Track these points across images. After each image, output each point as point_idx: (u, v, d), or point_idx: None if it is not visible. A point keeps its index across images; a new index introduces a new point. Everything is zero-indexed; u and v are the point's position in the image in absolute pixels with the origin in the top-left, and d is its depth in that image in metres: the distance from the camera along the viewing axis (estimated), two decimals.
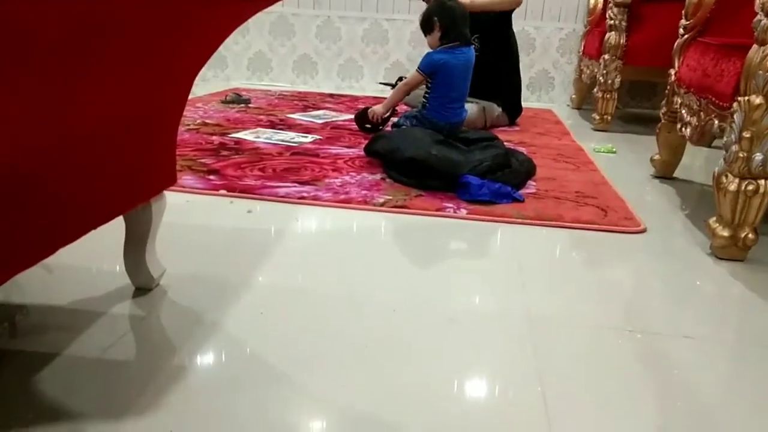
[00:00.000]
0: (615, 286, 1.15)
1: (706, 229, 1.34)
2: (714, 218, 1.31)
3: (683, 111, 1.66)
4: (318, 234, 1.37)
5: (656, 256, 1.32)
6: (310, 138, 2.21)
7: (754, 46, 1.21)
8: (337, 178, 1.70)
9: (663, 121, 1.89)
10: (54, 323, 0.91)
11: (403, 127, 2.16)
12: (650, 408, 0.78)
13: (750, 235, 1.26)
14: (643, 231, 1.43)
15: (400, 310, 0.99)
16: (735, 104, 1.24)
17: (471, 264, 1.25)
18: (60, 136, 0.69)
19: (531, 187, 1.73)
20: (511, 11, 2.70)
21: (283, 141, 2.13)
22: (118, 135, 0.80)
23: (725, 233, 1.27)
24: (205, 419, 0.71)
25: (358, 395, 0.77)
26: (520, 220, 1.45)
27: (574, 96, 3.51)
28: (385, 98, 2.39)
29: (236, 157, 1.88)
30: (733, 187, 1.24)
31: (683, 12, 1.81)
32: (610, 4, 2.69)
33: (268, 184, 1.62)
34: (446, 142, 1.81)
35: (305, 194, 1.55)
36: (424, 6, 2.29)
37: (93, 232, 0.80)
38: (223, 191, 1.55)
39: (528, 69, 3.54)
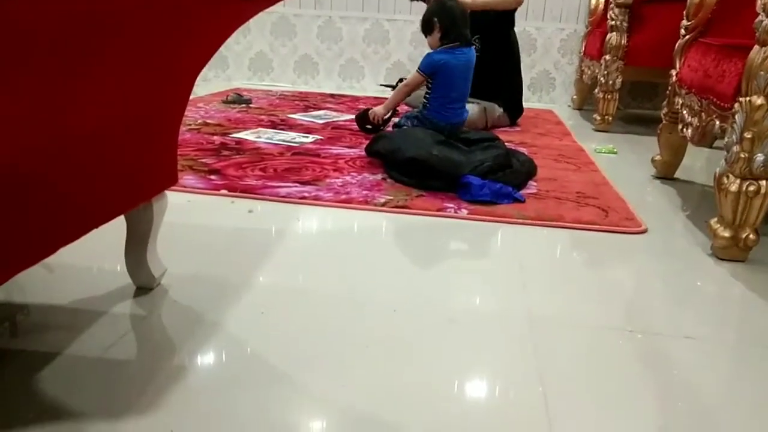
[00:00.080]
0: (616, 287, 1.15)
1: (707, 229, 1.33)
2: (715, 219, 1.31)
3: (684, 112, 1.66)
4: (319, 234, 1.37)
5: (657, 256, 1.31)
6: (311, 138, 2.21)
7: (756, 47, 1.21)
8: (338, 178, 1.70)
9: (664, 121, 1.89)
10: (55, 323, 0.91)
11: (404, 127, 2.17)
12: (651, 408, 0.78)
13: (751, 236, 1.26)
14: (644, 231, 1.43)
15: (400, 310, 0.99)
16: (736, 105, 1.24)
17: (472, 264, 1.25)
18: (61, 136, 0.69)
19: (532, 187, 1.73)
20: (513, 11, 2.69)
21: (284, 141, 2.14)
22: (119, 134, 0.80)
23: (726, 234, 1.27)
24: (205, 419, 0.71)
25: (358, 395, 0.77)
26: (521, 221, 1.45)
27: (575, 96, 3.51)
28: (386, 98, 2.39)
29: (237, 157, 1.89)
30: (734, 187, 1.24)
31: (684, 13, 1.81)
32: (612, 5, 2.69)
33: (269, 184, 1.62)
34: (447, 143, 1.81)
35: (306, 194, 1.55)
36: (425, 7, 2.29)
37: (94, 231, 0.80)
38: (224, 191, 1.55)
39: (529, 69, 3.54)
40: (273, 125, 2.42)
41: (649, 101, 3.50)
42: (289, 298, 1.02)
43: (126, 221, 0.96)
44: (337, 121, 2.60)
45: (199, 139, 2.09)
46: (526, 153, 2.03)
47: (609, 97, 2.75)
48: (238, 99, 2.88)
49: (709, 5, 1.71)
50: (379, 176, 1.73)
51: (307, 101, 3.12)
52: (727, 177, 1.26)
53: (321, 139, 2.21)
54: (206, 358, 0.84)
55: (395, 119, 2.34)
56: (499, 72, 2.65)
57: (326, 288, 1.07)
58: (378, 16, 3.65)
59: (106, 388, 0.76)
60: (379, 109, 2.29)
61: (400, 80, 2.42)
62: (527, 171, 1.80)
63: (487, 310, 1.02)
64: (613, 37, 2.69)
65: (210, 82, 3.66)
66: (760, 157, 1.21)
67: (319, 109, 2.90)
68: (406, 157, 1.68)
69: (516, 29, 2.76)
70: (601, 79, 2.76)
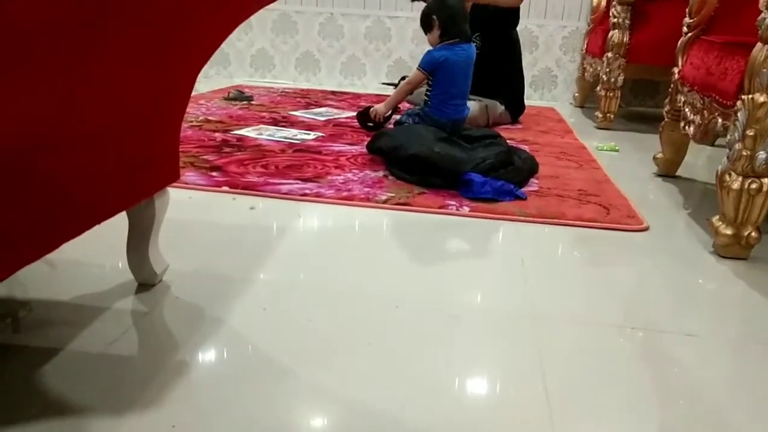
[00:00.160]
0: (617, 284, 1.15)
1: (709, 227, 1.33)
2: (717, 217, 1.31)
3: (686, 109, 1.65)
4: (320, 231, 1.37)
5: (659, 254, 1.31)
6: (312, 135, 2.21)
7: (758, 44, 1.20)
8: (339, 175, 1.70)
9: (666, 119, 1.89)
10: (57, 318, 0.91)
11: (406, 124, 2.17)
12: (652, 405, 0.78)
13: (753, 234, 1.26)
14: (646, 229, 1.43)
15: (402, 306, 0.99)
16: (739, 102, 1.24)
17: (473, 261, 1.25)
18: (62, 133, 0.69)
19: (533, 184, 1.73)
20: (516, 10, 2.68)
21: (285, 138, 2.14)
22: (120, 131, 0.80)
23: (728, 232, 1.27)
24: (207, 414, 0.71)
25: (360, 391, 0.77)
26: (522, 218, 1.45)
27: (576, 94, 3.50)
28: (387, 96, 2.39)
29: (239, 154, 1.89)
30: (736, 185, 1.24)
31: (687, 10, 1.81)
32: (614, 2, 2.68)
33: (271, 181, 1.62)
34: (449, 140, 1.81)
35: (308, 191, 1.55)
36: (424, 5, 2.29)
37: (96, 227, 0.80)
38: (225, 188, 1.55)
39: (531, 67, 3.53)
40: (274, 122, 2.42)
41: (651, 99, 3.49)
42: (290, 295, 1.02)
43: (128, 217, 0.96)
44: (339, 118, 2.60)
45: (201, 136, 2.09)
46: (527, 150, 2.03)
47: (611, 94, 2.75)
48: (239, 96, 2.88)
49: (712, 3, 1.70)
50: (380, 173, 1.73)
51: (309, 98, 3.12)
52: (729, 174, 1.26)
53: (322, 136, 2.21)
54: (208, 354, 0.84)
55: (396, 116, 2.34)
56: (501, 69, 2.64)
57: (328, 284, 1.07)
58: (380, 13, 3.64)
59: (108, 384, 0.76)
60: (380, 107, 2.29)
61: (403, 78, 2.42)
62: (529, 168, 1.80)
63: (490, 306, 1.02)
64: (615, 35, 2.68)
65: (211, 79, 3.66)
66: (762, 155, 1.21)
67: (321, 106, 2.90)
68: (407, 154, 1.68)
69: (518, 27, 2.75)
70: (603, 76, 2.75)
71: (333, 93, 3.39)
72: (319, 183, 1.62)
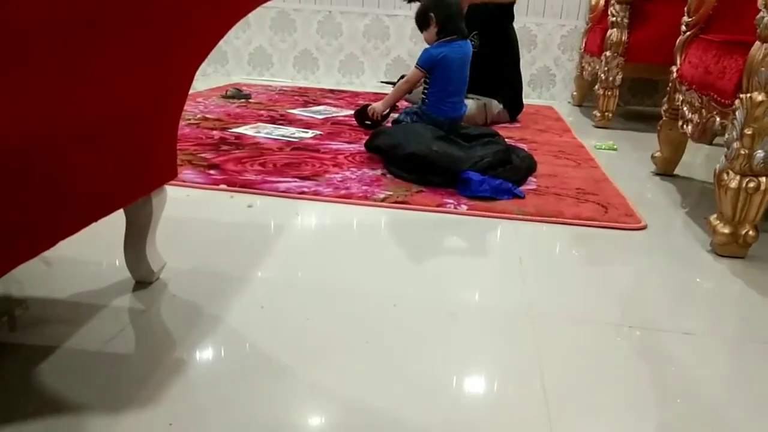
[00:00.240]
0: (615, 283, 1.15)
1: (707, 226, 1.34)
2: (715, 215, 1.31)
3: (685, 108, 1.65)
4: (318, 229, 1.37)
5: (656, 252, 1.31)
6: (310, 133, 2.21)
7: (757, 43, 1.20)
8: (337, 173, 1.70)
9: (664, 118, 1.89)
10: (54, 316, 0.91)
11: (404, 123, 2.16)
12: (650, 403, 0.78)
13: (750, 233, 1.26)
14: (644, 228, 1.43)
15: (400, 305, 0.99)
16: (737, 101, 1.24)
17: (471, 260, 1.25)
18: (60, 131, 0.69)
19: (532, 183, 1.73)
20: (511, 6, 2.68)
21: (283, 136, 2.13)
22: (118, 129, 0.80)
23: (726, 230, 1.27)
24: (204, 412, 0.71)
25: (358, 389, 0.77)
26: (520, 217, 1.45)
27: (575, 93, 3.50)
28: (385, 94, 2.38)
29: (237, 152, 1.88)
30: (734, 184, 1.24)
31: (685, 9, 1.81)
32: (612, 1, 2.68)
33: (269, 179, 1.62)
34: (447, 138, 1.81)
35: (306, 189, 1.55)
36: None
37: (93, 225, 0.80)
38: (223, 186, 1.55)
39: (529, 66, 3.53)
40: (272, 120, 2.42)
41: (650, 98, 3.49)
42: (288, 293, 1.02)
43: (125, 215, 0.96)
44: (337, 116, 2.59)
45: (199, 134, 2.09)
46: (525, 149, 2.03)
47: (609, 93, 2.75)
48: (237, 94, 2.88)
49: (710, 2, 1.70)
50: (378, 172, 1.73)
51: (307, 96, 3.12)
52: (727, 173, 1.26)
53: (320, 134, 2.21)
54: (205, 352, 0.84)
55: (394, 115, 2.34)
56: (499, 68, 2.64)
57: (325, 283, 1.07)
58: (378, 11, 3.64)
59: (105, 382, 0.76)
60: (378, 106, 2.29)
61: (401, 77, 2.42)
62: (527, 167, 1.80)
63: (487, 305, 1.02)
64: (613, 34, 2.68)
65: (209, 77, 3.65)
66: (760, 154, 1.21)
67: (319, 104, 2.89)
68: (406, 152, 1.68)
69: (516, 25, 2.75)
70: (602, 75, 2.75)
71: (331, 91, 3.39)
72: (317, 181, 1.62)
